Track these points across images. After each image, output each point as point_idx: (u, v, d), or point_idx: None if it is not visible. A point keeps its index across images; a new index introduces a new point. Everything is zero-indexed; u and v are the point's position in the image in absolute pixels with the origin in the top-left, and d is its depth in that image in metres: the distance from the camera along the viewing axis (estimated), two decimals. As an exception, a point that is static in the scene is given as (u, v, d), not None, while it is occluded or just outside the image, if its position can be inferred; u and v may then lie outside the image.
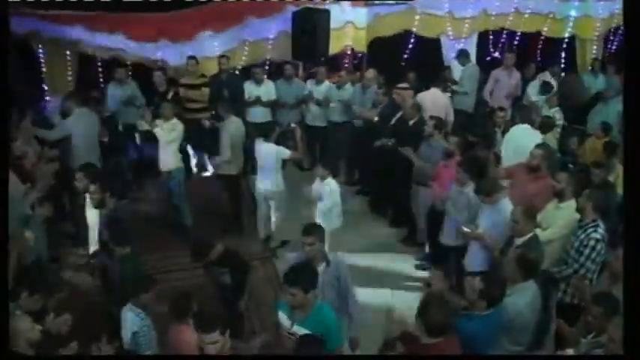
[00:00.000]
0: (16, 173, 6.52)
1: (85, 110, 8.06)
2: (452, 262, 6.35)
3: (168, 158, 7.86)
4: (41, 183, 6.61)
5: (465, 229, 5.80)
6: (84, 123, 7.92)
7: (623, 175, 5.12)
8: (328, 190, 6.92)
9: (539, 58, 12.28)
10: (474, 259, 5.83)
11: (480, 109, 9.24)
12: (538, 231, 5.39)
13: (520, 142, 7.24)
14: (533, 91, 10.09)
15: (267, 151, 7.54)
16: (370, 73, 9.15)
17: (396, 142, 7.51)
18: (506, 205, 5.69)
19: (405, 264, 7.61)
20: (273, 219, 7.94)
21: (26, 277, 5.37)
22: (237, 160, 8.01)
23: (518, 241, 5.22)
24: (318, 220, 6.69)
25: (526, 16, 11.78)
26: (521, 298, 4.54)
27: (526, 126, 7.66)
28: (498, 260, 5.41)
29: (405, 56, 11.63)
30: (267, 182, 7.63)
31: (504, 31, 12.19)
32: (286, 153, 7.55)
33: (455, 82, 10.26)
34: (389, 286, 7.15)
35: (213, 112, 8.83)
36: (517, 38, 12.32)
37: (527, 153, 6.40)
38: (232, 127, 7.83)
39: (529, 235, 5.21)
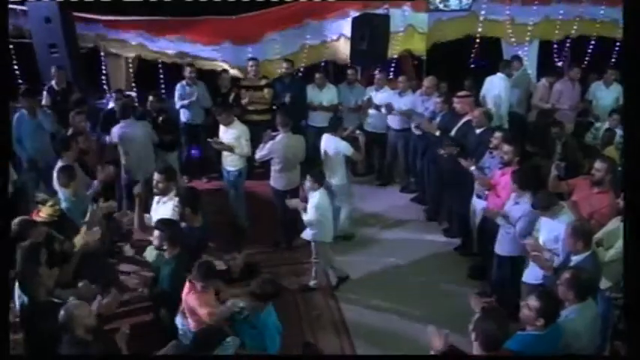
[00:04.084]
0: (81, 167, 6.81)
1: (132, 120, 8.08)
2: (506, 273, 6.26)
3: (230, 160, 7.96)
4: (101, 178, 6.79)
5: (527, 241, 5.64)
6: (133, 130, 8.01)
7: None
8: (314, 202, 6.78)
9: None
10: (532, 271, 5.70)
11: (540, 119, 9.05)
12: (600, 250, 5.20)
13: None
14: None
15: (333, 145, 7.72)
16: (429, 80, 9.02)
17: (459, 151, 7.37)
18: (568, 217, 5.48)
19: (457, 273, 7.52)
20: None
21: (85, 269, 5.60)
22: (291, 173, 7.89)
23: (574, 258, 5.05)
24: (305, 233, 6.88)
25: (593, 22, 11.54)
26: (581, 320, 4.42)
27: None
28: (552, 277, 5.28)
29: (466, 62, 11.50)
30: (333, 176, 7.78)
31: (568, 38, 11.95)
32: (350, 150, 7.70)
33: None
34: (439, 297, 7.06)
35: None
36: (582, 45, 12.06)
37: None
38: (283, 143, 7.68)
39: (586, 254, 4.99)
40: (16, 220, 5.41)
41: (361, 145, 7.88)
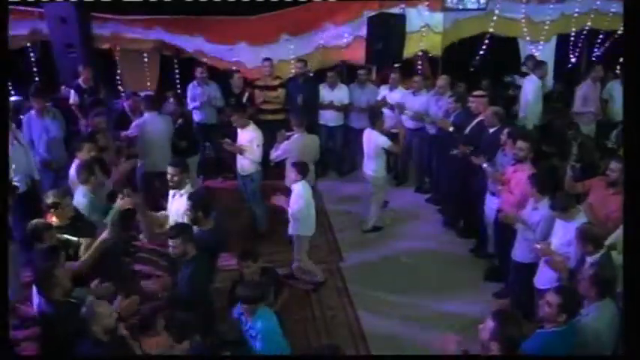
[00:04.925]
0: (99, 165, 6.78)
1: (156, 113, 8.26)
2: (523, 278, 6.16)
3: (247, 162, 7.91)
4: (116, 177, 6.87)
5: (538, 246, 5.63)
6: (155, 124, 8.14)
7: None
8: (296, 195, 6.84)
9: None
10: (545, 277, 5.66)
11: (556, 119, 8.98)
12: (614, 254, 5.10)
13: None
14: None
15: (373, 138, 8.08)
16: (442, 80, 9.01)
17: (472, 151, 7.35)
18: (582, 221, 5.42)
19: (473, 275, 7.49)
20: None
21: (100, 266, 5.60)
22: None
23: (589, 259, 5.00)
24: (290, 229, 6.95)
25: (608, 17, 11.43)
26: (601, 318, 4.38)
27: None
28: (568, 278, 5.23)
29: (481, 61, 11.44)
30: (369, 167, 8.28)
31: (583, 34, 11.84)
32: (388, 143, 8.02)
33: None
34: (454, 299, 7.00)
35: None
36: (599, 41, 11.97)
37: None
38: (298, 142, 7.75)
39: (600, 253, 4.97)
40: (32, 222, 5.46)
41: (400, 139, 8.36)
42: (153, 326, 4.79)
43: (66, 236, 5.54)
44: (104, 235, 5.50)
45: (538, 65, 9.70)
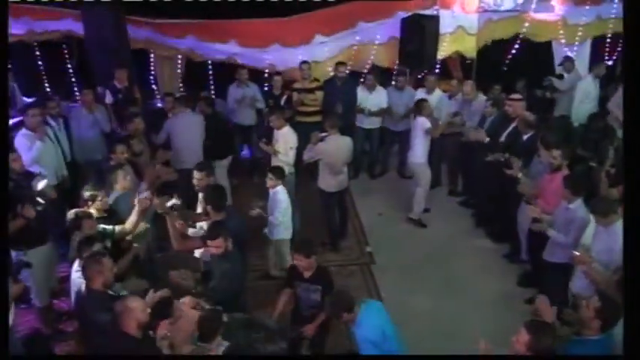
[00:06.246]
0: (133, 169, 6.96)
1: (188, 111, 8.44)
2: (556, 280, 6.09)
3: (281, 164, 7.87)
4: (149, 181, 6.90)
5: (575, 252, 5.51)
6: (187, 121, 8.27)
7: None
8: (278, 200, 6.86)
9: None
10: (581, 282, 5.56)
11: (593, 122, 8.85)
12: None
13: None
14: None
15: (418, 123, 8.46)
16: (468, 85, 8.97)
17: (508, 158, 7.27)
18: (621, 227, 5.25)
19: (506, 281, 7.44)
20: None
21: (135, 264, 5.78)
22: (339, 175, 7.93)
23: None
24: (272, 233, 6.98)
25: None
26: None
27: None
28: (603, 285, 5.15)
29: (516, 63, 11.31)
30: (413, 155, 8.61)
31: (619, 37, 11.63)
32: (427, 124, 8.31)
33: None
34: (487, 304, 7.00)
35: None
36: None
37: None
38: (331, 144, 7.75)
39: None
40: (71, 211, 5.65)
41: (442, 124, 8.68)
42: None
43: (102, 226, 5.69)
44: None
45: (597, 65, 9.75)
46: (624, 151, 4.57)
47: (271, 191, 6.92)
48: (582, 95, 9.57)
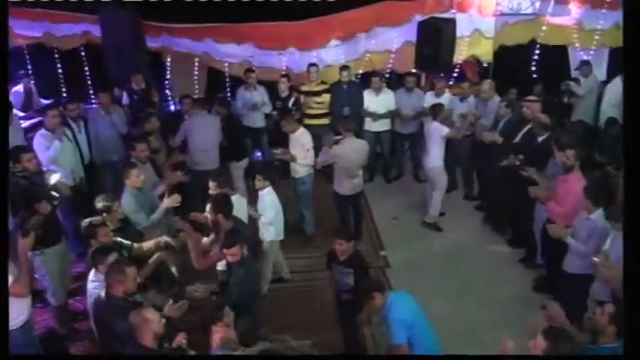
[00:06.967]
0: (152, 166, 7.07)
1: (205, 112, 8.52)
2: (576, 291, 5.97)
3: (300, 166, 7.98)
4: (169, 180, 6.99)
5: (595, 259, 5.43)
6: (203, 123, 8.31)
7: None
8: (268, 201, 6.83)
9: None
10: (601, 289, 5.51)
11: (609, 128, 8.75)
12: None
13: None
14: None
15: (433, 128, 8.36)
16: (487, 84, 8.91)
17: (523, 161, 7.22)
18: None
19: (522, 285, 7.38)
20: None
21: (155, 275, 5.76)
22: (355, 178, 7.95)
23: None
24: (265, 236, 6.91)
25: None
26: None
27: None
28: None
29: (532, 67, 11.24)
30: (428, 160, 8.51)
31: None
32: (445, 130, 8.24)
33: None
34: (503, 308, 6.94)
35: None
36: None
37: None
38: (347, 147, 7.75)
39: None
40: (87, 220, 5.62)
41: (459, 124, 8.63)
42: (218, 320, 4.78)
43: (119, 239, 5.67)
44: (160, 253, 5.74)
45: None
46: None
47: (260, 193, 6.90)
48: (612, 98, 9.42)
